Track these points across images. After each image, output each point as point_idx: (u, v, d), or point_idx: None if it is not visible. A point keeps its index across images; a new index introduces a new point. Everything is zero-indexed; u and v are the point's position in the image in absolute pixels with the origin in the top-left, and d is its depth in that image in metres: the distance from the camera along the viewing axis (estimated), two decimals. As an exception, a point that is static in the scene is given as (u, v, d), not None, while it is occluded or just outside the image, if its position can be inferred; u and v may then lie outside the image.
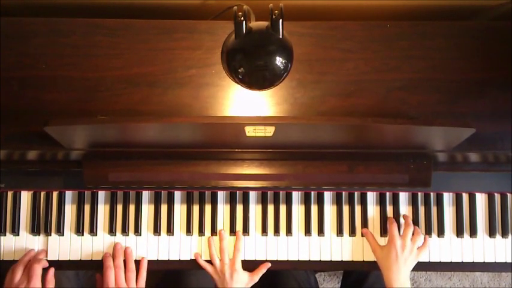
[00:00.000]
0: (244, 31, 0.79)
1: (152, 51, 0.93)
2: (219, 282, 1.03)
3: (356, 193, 1.09)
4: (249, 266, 1.05)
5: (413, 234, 1.03)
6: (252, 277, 1.04)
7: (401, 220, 1.07)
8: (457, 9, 1.05)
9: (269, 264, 1.06)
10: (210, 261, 1.05)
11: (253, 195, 1.08)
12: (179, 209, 1.08)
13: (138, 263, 1.03)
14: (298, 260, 1.07)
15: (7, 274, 0.96)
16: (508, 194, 1.08)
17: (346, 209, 1.08)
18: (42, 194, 1.07)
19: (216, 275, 1.04)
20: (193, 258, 1.06)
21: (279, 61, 0.81)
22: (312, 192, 1.08)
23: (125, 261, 1.02)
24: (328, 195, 1.09)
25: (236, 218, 1.07)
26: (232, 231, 1.07)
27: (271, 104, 0.93)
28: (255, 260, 1.06)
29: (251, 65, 0.81)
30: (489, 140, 0.92)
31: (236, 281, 1.02)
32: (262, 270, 1.05)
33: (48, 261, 1.04)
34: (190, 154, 0.97)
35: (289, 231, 1.07)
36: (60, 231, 1.06)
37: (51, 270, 0.99)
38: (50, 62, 0.93)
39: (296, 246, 1.07)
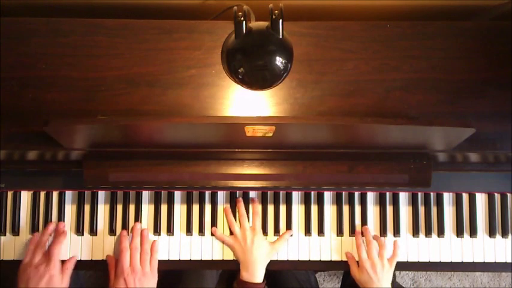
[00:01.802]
0: (244, 31, 0.79)
1: (152, 51, 0.93)
2: (240, 251, 1.02)
3: (356, 193, 1.09)
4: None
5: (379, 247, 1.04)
6: (274, 245, 1.03)
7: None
8: (457, 9, 1.05)
9: (291, 231, 1.05)
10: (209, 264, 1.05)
11: (253, 195, 1.08)
12: (179, 209, 1.08)
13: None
14: (298, 260, 1.07)
15: (26, 255, 0.98)
16: (508, 194, 1.08)
17: (346, 209, 1.08)
18: (42, 194, 1.07)
19: (237, 244, 1.03)
20: (192, 258, 1.06)
21: (279, 61, 0.81)
22: (312, 192, 1.08)
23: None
24: (328, 195, 1.09)
25: (236, 218, 1.07)
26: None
27: (271, 104, 0.93)
28: (255, 260, 1.06)
29: (251, 65, 0.81)
30: (489, 140, 0.92)
31: (258, 246, 1.01)
32: (284, 238, 1.05)
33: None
34: (190, 154, 0.97)
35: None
36: (60, 231, 1.06)
37: (74, 258, 1.01)
38: (50, 62, 0.93)
39: (296, 246, 1.07)
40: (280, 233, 1.07)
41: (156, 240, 1.04)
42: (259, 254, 1.01)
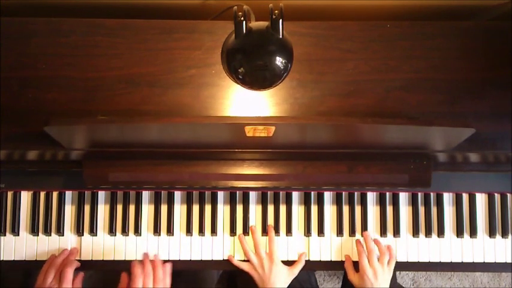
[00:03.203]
0: (244, 31, 0.79)
1: (152, 51, 0.93)
2: (258, 279, 1.02)
3: (356, 193, 1.09)
4: (249, 266, 1.05)
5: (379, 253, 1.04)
6: (292, 270, 1.03)
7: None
8: (457, 9, 1.05)
9: (305, 255, 1.05)
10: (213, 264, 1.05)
11: (253, 195, 1.08)
12: (179, 209, 1.08)
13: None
14: (298, 260, 1.07)
15: (39, 274, 0.96)
16: (508, 194, 1.08)
17: (346, 209, 1.08)
18: (42, 194, 1.07)
19: (254, 271, 1.03)
20: (192, 258, 1.06)
21: (279, 61, 0.81)
22: (312, 192, 1.08)
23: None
24: (328, 195, 1.09)
25: (236, 218, 1.07)
26: (233, 231, 1.07)
27: (271, 104, 0.93)
28: (255, 260, 1.06)
29: (251, 65, 0.81)
30: (489, 140, 0.92)
31: (276, 274, 1.01)
32: (301, 261, 1.05)
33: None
34: (190, 154, 0.97)
35: (289, 231, 1.07)
36: (60, 231, 1.06)
37: (81, 275, 0.99)
38: (50, 62, 0.93)
39: (296, 246, 1.07)
40: (280, 233, 1.07)
41: (168, 264, 0.99)
42: (278, 282, 1.01)
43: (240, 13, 0.78)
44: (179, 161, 0.98)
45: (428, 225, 1.07)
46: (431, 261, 1.07)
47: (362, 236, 1.07)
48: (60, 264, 0.98)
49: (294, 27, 0.93)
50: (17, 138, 0.91)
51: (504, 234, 1.08)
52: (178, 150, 0.94)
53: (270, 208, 1.08)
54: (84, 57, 0.93)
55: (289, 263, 1.06)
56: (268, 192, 1.08)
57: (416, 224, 1.07)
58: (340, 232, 1.07)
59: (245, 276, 1.05)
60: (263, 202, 1.08)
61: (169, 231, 1.06)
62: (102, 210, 1.07)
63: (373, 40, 0.94)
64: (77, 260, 1.04)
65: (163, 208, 1.07)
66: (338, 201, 1.08)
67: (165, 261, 1.00)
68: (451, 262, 1.07)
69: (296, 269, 1.04)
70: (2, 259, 1.05)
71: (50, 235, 1.06)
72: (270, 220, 1.07)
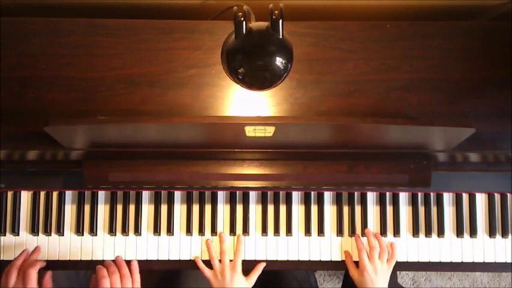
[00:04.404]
0: (244, 31, 0.79)
1: (152, 51, 0.93)
2: (216, 285, 1.02)
3: (356, 193, 1.09)
4: (249, 266, 1.05)
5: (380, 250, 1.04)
6: (249, 280, 1.04)
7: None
8: (457, 9, 1.05)
9: (264, 264, 1.06)
10: (208, 263, 1.05)
11: (253, 195, 1.08)
12: (179, 209, 1.08)
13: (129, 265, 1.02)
14: (298, 260, 1.07)
15: (1, 277, 0.95)
16: (508, 194, 1.08)
17: (346, 209, 1.08)
18: (42, 194, 1.07)
19: (215, 278, 1.03)
20: (192, 258, 1.06)
21: (279, 61, 0.81)
22: (312, 192, 1.08)
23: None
24: (328, 195, 1.09)
25: (236, 218, 1.07)
26: (233, 231, 1.07)
27: (271, 104, 0.93)
28: (255, 260, 1.06)
29: (251, 65, 0.81)
30: (489, 140, 0.92)
31: (236, 283, 1.01)
32: (258, 270, 1.05)
33: (48, 261, 1.04)
34: (190, 154, 0.97)
35: (289, 231, 1.07)
36: (60, 231, 1.06)
37: (49, 274, 0.98)
38: (50, 62, 0.93)
39: (296, 246, 1.07)
40: (280, 233, 1.07)
41: (134, 260, 1.01)
42: None
43: (240, 13, 0.78)
44: (179, 161, 0.98)
45: (428, 225, 1.07)
46: (431, 261, 1.07)
47: (363, 235, 1.07)
48: (22, 265, 0.97)
49: (294, 27, 0.93)
50: (17, 138, 0.91)
51: (504, 234, 1.08)
52: (178, 150, 0.94)
53: (270, 208, 1.08)
54: (84, 57, 0.93)
55: (289, 264, 1.06)
56: (268, 192, 1.08)
57: (416, 224, 1.07)
58: (340, 232, 1.07)
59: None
60: (263, 202, 1.08)
61: (169, 231, 1.06)
62: (102, 210, 1.07)
63: (373, 40, 0.94)
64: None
65: (163, 208, 1.07)
66: (338, 201, 1.08)
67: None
68: (451, 262, 1.07)
69: (252, 279, 1.04)
70: (2, 259, 1.05)
71: (50, 235, 1.06)
72: (270, 220, 1.07)
